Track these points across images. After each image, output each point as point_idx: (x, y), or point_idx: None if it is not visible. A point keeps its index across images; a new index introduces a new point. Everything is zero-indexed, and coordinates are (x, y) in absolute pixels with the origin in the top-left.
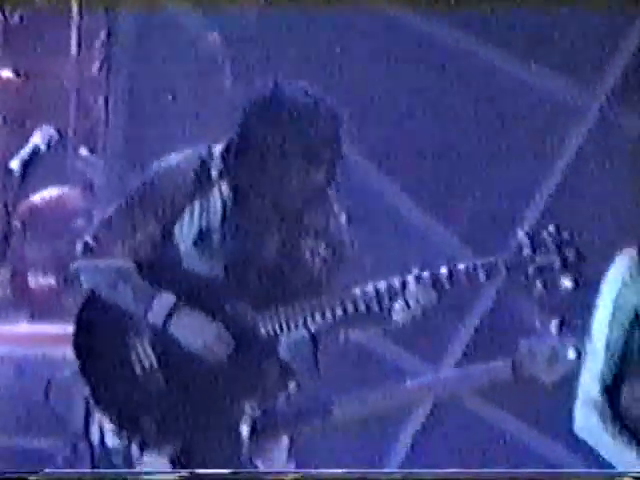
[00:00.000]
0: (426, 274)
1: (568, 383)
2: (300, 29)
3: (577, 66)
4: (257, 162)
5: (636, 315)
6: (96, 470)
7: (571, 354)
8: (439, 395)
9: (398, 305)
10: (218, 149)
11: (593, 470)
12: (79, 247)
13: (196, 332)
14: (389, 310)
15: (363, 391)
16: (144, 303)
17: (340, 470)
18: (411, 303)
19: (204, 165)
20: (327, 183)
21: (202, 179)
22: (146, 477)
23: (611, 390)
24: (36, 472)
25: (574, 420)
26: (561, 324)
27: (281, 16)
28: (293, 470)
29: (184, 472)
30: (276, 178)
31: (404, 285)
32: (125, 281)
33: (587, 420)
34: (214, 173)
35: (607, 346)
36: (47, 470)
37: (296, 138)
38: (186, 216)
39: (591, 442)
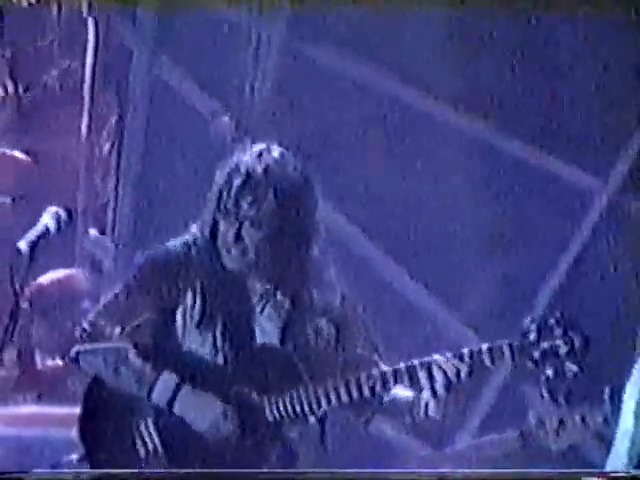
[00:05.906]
0: (431, 359)
1: (575, 452)
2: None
3: (588, 153)
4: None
5: None
6: (96, 470)
7: (578, 422)
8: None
9: (403, 390)
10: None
11: (594, 470)
12: (77, 333)
13: (202, 410)
14: (394, 395)
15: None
16: (147, 385)
17: (343, 470)
18: (415, 388)
19: (204, 248)
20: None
21: (202, 262)
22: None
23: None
24: (31, 472)
25: None
26: (568, 395)
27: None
28: (293, 471)
29: (181, 472)
30: (269, 254)
31: (409, 370)
32: (126, 365)
33: None
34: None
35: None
36: (45, 470)
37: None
38: (188, 300)
39: None
